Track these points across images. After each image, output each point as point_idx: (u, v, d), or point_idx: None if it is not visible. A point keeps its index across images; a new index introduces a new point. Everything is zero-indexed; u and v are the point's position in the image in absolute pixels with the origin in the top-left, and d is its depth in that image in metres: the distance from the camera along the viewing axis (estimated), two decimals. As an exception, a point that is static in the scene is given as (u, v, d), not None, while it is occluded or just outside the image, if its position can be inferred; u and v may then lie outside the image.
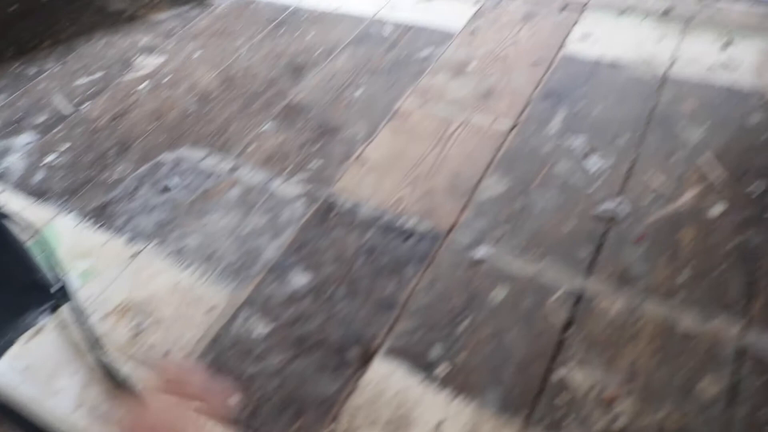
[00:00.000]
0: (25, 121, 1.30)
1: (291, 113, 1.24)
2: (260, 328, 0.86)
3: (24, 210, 1.05)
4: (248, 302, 0.90)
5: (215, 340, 0.85)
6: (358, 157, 1.11)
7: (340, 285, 0.90)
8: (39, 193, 1.13)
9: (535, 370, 0.78)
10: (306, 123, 1.21)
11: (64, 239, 1.04)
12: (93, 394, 0.81)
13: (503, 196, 1.00)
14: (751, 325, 0.83)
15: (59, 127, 1.27)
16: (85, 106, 1.32)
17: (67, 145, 1.22)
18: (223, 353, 0.83)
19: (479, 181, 1.03)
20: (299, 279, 0.92)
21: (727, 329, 0.81)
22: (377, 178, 1.06)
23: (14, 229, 0.83)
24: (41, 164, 1.19)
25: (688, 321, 0.82)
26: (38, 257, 0.88)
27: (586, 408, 0.75)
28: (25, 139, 1.26)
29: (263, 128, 1.20)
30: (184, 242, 1.00)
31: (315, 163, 1.11)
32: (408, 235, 0.96)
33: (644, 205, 0.97)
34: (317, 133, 1.18)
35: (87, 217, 1.07)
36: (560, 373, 0.78)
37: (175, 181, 1.11)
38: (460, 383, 0.78)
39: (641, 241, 0.92)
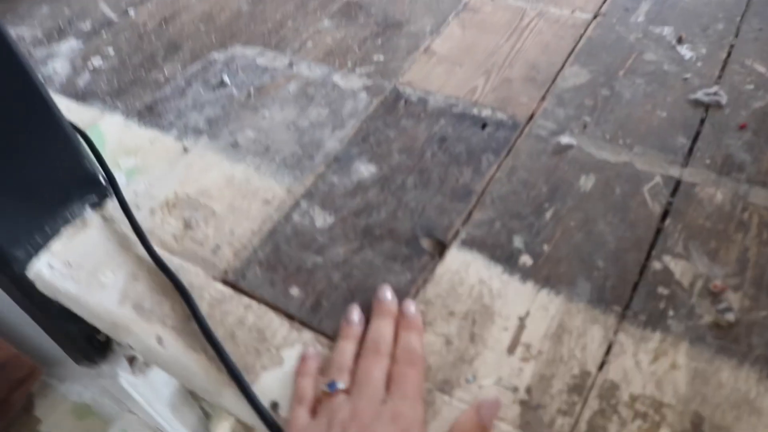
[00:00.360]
0: (71, 27, 1.23)
1: (351, 10, 1.14)
2: (322, 219, 0.77)
3: (69, 112, 0.96)
4: (308, 194, 0.81)
5: (272, 233, 0.77)
6: (425, 50, 1.02)
7: (410, 175, 0.81)
8: (84, 96, 1.06)
9: (631, 261, 0.68)
10: (367, 19, 1.11)
11: (111, 137, 0.97)
12: (139, 288, 0.74)
13: (587, 86, 0.90)
14: None
15: (105, 33, 1.20)
16: (132, 12, 1.23)
17: (114, 49, 1.15)
18: (280, 246, 0.74)
19: (559, 72, 0.94)
20: (364, 170, 0.83)
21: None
22: (447, 70, 0.96)
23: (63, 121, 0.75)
24: (87, 68, 1.11)
25: (806, 210, 0.71)
26: (84, 153, 0.79)
27: (691, 301, 0.65)
28: (70, 45, 1.19)
29: (321, 26, 1.11)
30: (238, 136, 0.91)
31: (379, 57, 1.02)
32: (483, 123, 0.86)
33: (745, 93, 0.87)
34: (380, 28, 1.08)
35: (134, 116, 1.00)
36: (659, 263, 0.68)
37: (228, 78, 1.01)
38: (545, 275, 0.68)
39: (744, 129, 0.80)
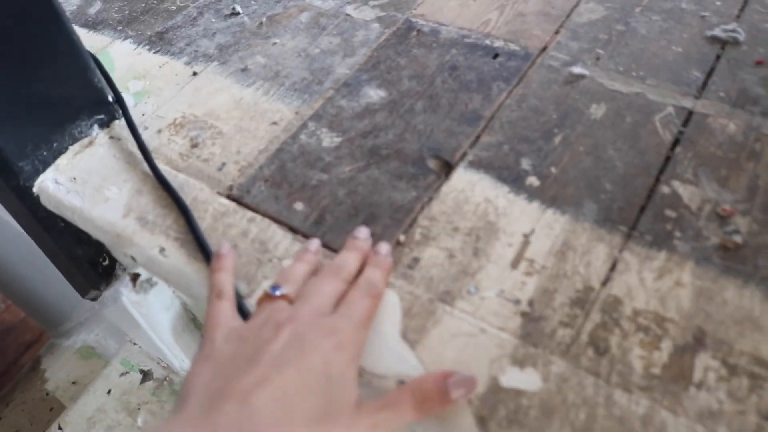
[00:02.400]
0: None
1: (366, -55, 1.12)
2: (329, 139, 0.77)
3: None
4: (316, 116, 0.80)
5: (279, 152, 0.77)
6: (438, -15, 0.99)
7: (419, 100, 0.80)
8: (95, 24, 1.06)
9: (639, 185, 0.68)
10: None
11: (120, 62, 0.97)
12: (143, 202, 0.73)
13: (602, 20, 0.89)
14: None
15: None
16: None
17: (126, -22, 1.11)
18: (286, 164, 0.74)
19: (574, 7, 0.93)
20: (373, 94, 0.82)
21: None
22: (461, 3, 0.96)
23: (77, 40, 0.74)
24: (98, -3, 1.09)
25: (817, 142, 0.70)
26: (95, 73, 0.79)
27: (698, 223, 0.64)
28: (81, -24, 1.16)
29: (335, -39, 1.09)
30: (249, 62, 0.91)
31: (391, -9, 0.99)
32: (495, 54, 0.85)
33: (764, 31, 0.86)
34: (393, -36, 1.06)
35: (145, 43, 0.99)
36: (668, 188, 0.68)
37: (240, 7, 1.01)
38: (552, 195, 0.68)
39: (761, 65, 0.79)
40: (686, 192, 0.68)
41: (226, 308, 0.58)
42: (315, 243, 0.67)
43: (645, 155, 0.72)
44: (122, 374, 1.36)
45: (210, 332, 0.55)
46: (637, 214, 0.67)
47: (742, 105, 0.76)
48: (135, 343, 1.37)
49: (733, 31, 0.84)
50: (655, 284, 0.61)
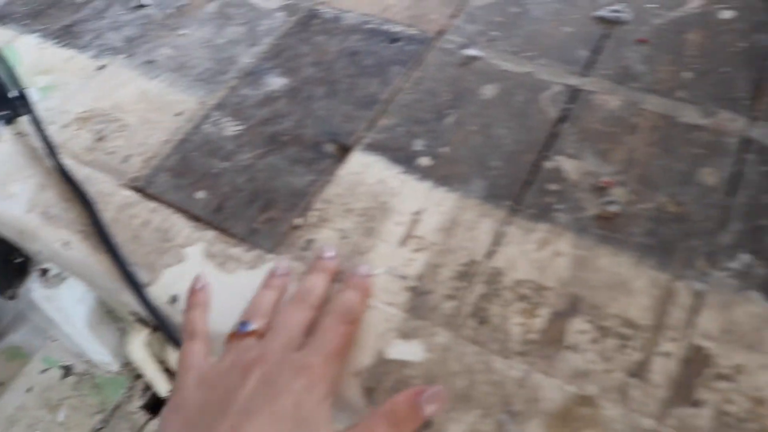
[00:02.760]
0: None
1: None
2: (231, 128, 0.80)
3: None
4: (219, 106, 0.83)
5: (183, 142, 0.79)
6: (343, -27, 1.01)
7: (319, 86, 0.83)
8: (0, 18, 1.04)
9: (525, 161, 0.72)
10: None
11: (26, 57, 0.98)
12: (47, 197, 0.75)
13: (498, 4, 0.93)
14: (758, 119, 0.78)
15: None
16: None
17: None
18: (189, 153, 0.76)
19: (472, -9, 0.94)
20: (275, 82, 0.85)
21: (732, 122, 0.74)
22: (366, -10, 0.97)
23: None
24: (3, -10, 1.09)
25: (690, 114, 0.76)
26: None
27: (578, 195, 0.68)
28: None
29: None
30: (155, 54, 0.93)
31: (297, -21, 1.01)
32: (395, 38, 0.88)
33: (648, 11, 0.90)
34: (301, -49, 1.08)
35: (51, 37, 1.00)
36: (552, 163, 0.71)
37: None
38: (442, 174, 0.71)
39: (643, 44, 0.83)
40: (569, 166, 0.72)
41: (198, 350, 0.56)
42: (281, 265, 0.65)
43: (532, 132, 0.75)
44: (43, 371, 1.36)
45: (181, 378, 0.53)
46: (522, 189, 0.70)
47: (625, 82, 0.80)
48: (55, 339, 1.37)
49: (618, 11, 0.88)
50: (535, 255, 0.65)
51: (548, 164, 0.71)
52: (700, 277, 0.62)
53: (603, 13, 0.89)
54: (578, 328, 0.60)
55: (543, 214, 0.67)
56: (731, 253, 0.64)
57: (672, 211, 0.67)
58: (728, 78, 0.80)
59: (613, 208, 0.67)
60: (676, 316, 0.60)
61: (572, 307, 0.61)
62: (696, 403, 0.55)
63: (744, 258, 0.63)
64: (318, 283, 0.61)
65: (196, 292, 0.62)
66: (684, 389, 0.56)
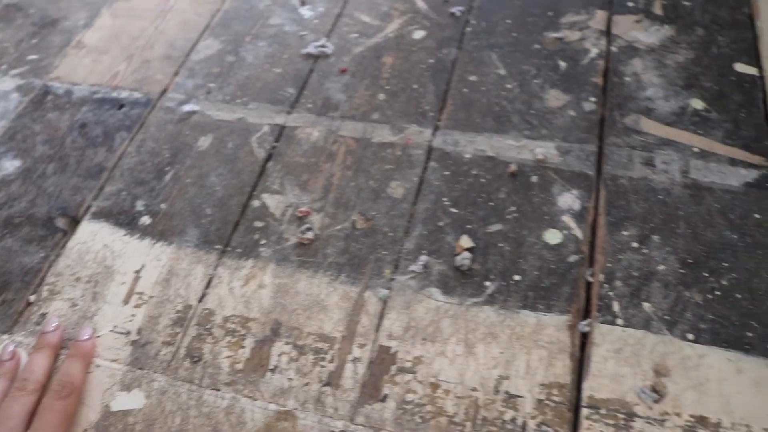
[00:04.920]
0: None
1: (9, 13, 1.19)
2: (-33, 219, 0.83)
3: None
4: (-46, 199, 0.86)
5: None
6: (77, 44, 1.08)
7: (50, 163, 0.89)
8: None
9: (235, 203, 0.79)
10: (25, 20, 1.17)
11: None
12: None
13: (217, 54, 1.00)
14: (440, 128, 0.89)
15: None
16: None
17: None
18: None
19: (194, 46, 1.03)
20: (9, 165, 0.90)
21: (419, 135, 0.84)
22: (94, 60, 1.04)
23: None
24: None
25: (383, 134, 0.85)
26: None
27: (281, 228, 0.76)
28: None
29: (-20, 33, 1.15)
30: None
31: (33, 56, 1.07)
32: (121, 104, 0.95)
33: (350, 41, 0.99)
34: (37, 28, 1.15)
35: None
36: (258, 201, 0.79)
37: None
38: (160, 230, 0.79)
39: (344, 73, 0.93)
40: (272, 202, 0.81)
41: None
42: (6, 351, 0.66)
43: (242, 175, 0.84)
44: None
45: None
46: (231, 231, 0.78)
47: (326, 112, 0.90)
48: None
49: (323, 45, 0.98)
50: (242, 291, 0.73)
51: (255, 203, 0.80)
52: (386, 284, 0.72)
53: (310, 49, 0.99)
54: (280, 350, 0.68)
55: (249, 251, 0.76)
56: (413, 257, 0.74)
57: (362, 227, 0.77)
58: (418, 94, 0.91)
59: (309, 235, 0.76)
60: (365, 324, 0.70)
61: (274, 332, 0.70)
62: (383, 399, 0.65)
63: (423, 259, 0.73)
64: (38, 363, 0.63)
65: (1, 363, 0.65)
66: (371, 388, 0.66)
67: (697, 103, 0.86)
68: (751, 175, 0.76)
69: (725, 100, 0.85)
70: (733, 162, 0.77)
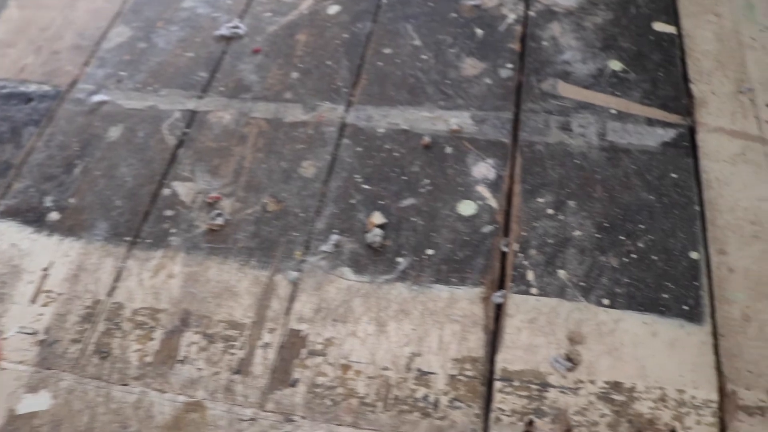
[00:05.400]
0: None
1: None
2: None
3: None
4: None
5: None
6: (-16, 39, 1.04)
7: (-43, 165, 0.85)
8: None
9: (145, 193, 0.77)
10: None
11: None
12: None
13: (128, 42, 0.97)
14: (353, 104, 0.87)
15: None
16: None
17: None
18: None
19: (104, 34, 1.00)
20: None
21: (332, 112, 0.82)
22: (0, 53, 0.99)
23: None
24: None
25: (295, 113, 0.83)
26: None
27: (191, 215, 0.74)
28: None
29: None
30: None
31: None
32: (29, 98, 0.91)
33: (264, 20, 0.97)
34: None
35: None
36: (168, 190, 0.77)
37: None
38: (69, 225, 0.77)
39: (257, 53, 0.90)
40: (183, 189, 0.78)
41: None
42: None
43: (152, 164, 0.81)
44: None
45: None
46: (141, 222, 0.76)
47: (238, 94, 0.87)
48: None
49: (236, 26, 0.95)
50: (151, 282, 0.71)
51: (165, 192, 0.78)
52: (297, 266, 0.70)
53: (223, 31, 0.96)
54: (189, 340, 0.66)
55: (159, 241, 0.74)
56: (325, 237, 0.72)
57: (273, 209, 0.74)
58: (331, 70, 0.89)
59: (219, 221, 0.73)
60: (275, 308, 0.68)
61: (183, 322, 0.67)
62: (293, 384, 0.63)
63: (334, 238, 0.71)
64: None
65: None
66: (282, 373, 0.64)
67: (615, 65, 0.83)
68: (669, 134, 0.74)
69: (644, 59, 0.83)
70: (651, 122, 0.76)
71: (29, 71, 0.99)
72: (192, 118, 0.85)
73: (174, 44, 0.96)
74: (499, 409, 0.60)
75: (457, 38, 0.89)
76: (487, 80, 0.82)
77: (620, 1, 0.90)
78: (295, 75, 0.87)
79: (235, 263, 0.71)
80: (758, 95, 0.78)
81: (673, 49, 0.85)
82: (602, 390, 0.58)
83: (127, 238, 0.74)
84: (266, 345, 0.64)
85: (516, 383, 0.60)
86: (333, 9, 0.96)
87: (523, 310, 0.63)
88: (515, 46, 0.87)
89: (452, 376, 0.61)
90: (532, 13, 0.91)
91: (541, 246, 0.66)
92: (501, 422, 0.59)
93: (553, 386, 0.58)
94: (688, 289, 0.63)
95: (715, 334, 0.60)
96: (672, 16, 0.89)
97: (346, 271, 0.67)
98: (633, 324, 0.61)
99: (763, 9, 0.88)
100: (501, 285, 0.66)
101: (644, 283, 0.63)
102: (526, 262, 0.65)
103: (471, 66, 0.84)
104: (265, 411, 0.61)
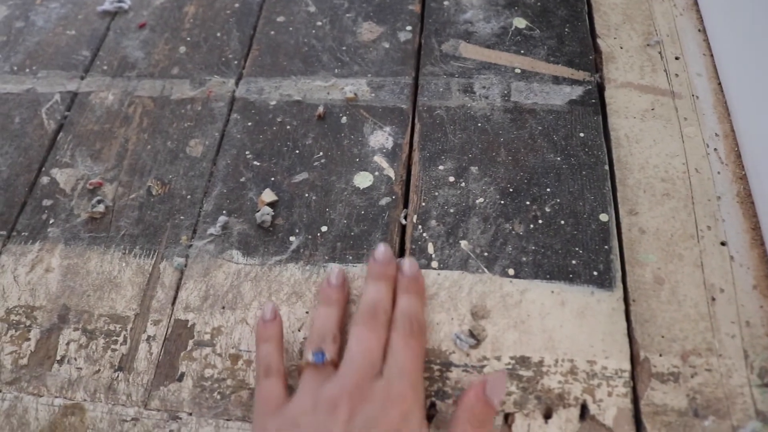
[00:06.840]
0: None
1: None
2: None
3: None
4: None
5: None
6: None
7: None
8: None
9: (22, 183, 0.71)
10: None
11: None
12: None
13: (2, 23, 0.91)
14: (244, 76, 0.82)
15: None
16: None
17: None
18: None
19: (-18, 14, 0.91)
20: None
21: (221, 86, 0.76)
22: None
23: None
24: None
25: (183, 89, 0.78)
26: None
27: (71, 204, 0.68)
28: None
29: None
30: None
31: None
32: None
33: (152, -8, 0.89)
34: None
35: None
36: (48, 178, 0.70)
37: None
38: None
39: (143, 28, 0.83)
40: (62, 176, 0.72)
41: (275, 387, 0.50)
42: (336, 275, 0.58)
43: (30, 151, 0.74)
44: None
45: (260, 420, 0.48)
46: (18, 214, 0.69)
47: (122, 73, 0.81)
48: None
49: (120, 1, 0.88)
50: (27, 278, 0.65)
51: (44, 180, 0.71)
52: (183, 252, 0.64)
53: (106, 6, 0.89)
54: (68, 338, 0.61)
55: (36, 233, 0.68)
56: (213, 219, 0.66)
57: (158, 192, 0.68)
58: (221, 42, 0.83)
59: (100, 208, 0.68)
60: (160, 298, 0.62)
61: (61, 319, 0.62)
62: (179, 378, 0.57)
63: (222, 220, 0.66)
64: (383, 295, 0.53)
65: (266, 324, 0.55)
66: (167, 368, 0.59)
67: (520, 22, 0.79)
68: (576, 92, 0.70)
69: (549, 16, 0.79)
70: (557, 80, 0.72)
71: None
72: (73, 100, 0.79)
73: (54, 22, 0.90)
74: (397, 393, 0.55)
75: (354, 2, 0.84)
76: (385, 44, 0.77)
77: (524, -45, 0.85)
78: (182, 49, 0.81)
79: (117, 252, 0.65)
80: (667, 48, 0.74)
81: (580, 4, 0.81)
82: (508, 366, 0.54)
83: (2, 233, 0.68)
84: (150, 338, 0.59)
85: (416, 364, 0.55)
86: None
87: (425, 285, 0.58)
88: (415, 7, 0.82)
89: (348, 361, 0.56)
90: (432, -27, 0.85)
91: (442, 216, 0.61)
92: (398, 408, 0.54)
93: (456, 365, 0.54)
94: (597, 253, 0.58)
95: (626, 300, 0.56)
96: (577, -31, 0.85)
97: (236, 254, 0.62)
98: (540, 294, 0.57)
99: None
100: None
101: (552, 249, 0.59)
102: (426, 234, 0.60)
103: (368, 30, 0.79)
104: (149, 409, 0.57)
